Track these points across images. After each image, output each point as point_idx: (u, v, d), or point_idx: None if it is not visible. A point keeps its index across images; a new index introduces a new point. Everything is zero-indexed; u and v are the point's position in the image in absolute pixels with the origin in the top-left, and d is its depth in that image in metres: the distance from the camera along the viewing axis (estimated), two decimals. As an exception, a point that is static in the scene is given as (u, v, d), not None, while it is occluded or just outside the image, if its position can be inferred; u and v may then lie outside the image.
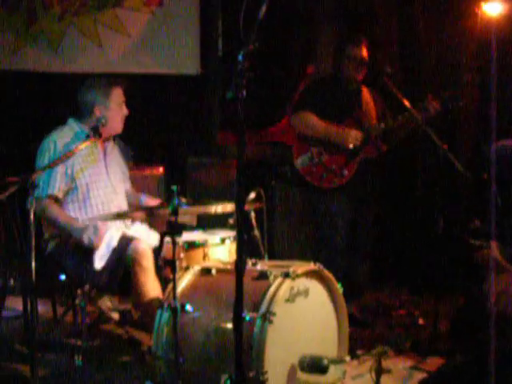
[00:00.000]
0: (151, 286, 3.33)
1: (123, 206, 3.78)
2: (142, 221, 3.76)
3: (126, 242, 3.43)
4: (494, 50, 3.82)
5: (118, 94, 3.73)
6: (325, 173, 4.29)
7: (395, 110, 4.26)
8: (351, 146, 4.26)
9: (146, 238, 3.62)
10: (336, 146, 4.28)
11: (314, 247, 4.67)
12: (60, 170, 3.52)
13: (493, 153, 3.60)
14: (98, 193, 3.65)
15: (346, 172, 4.29)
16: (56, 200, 3.57)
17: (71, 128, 3.68)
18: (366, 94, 4.46)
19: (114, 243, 3.44)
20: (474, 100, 5.11)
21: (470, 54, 5.14)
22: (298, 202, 5.02)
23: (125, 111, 3.76)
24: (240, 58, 2.29)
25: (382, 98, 4.51)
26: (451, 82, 5.03)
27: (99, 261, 3.40)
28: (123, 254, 3.39)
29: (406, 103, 4.03)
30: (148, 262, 3.34)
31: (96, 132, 3.48)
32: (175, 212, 2.85)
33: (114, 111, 3.69)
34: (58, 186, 3.54)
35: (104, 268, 3.42)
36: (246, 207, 3.28)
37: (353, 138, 4.25)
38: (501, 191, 3.45)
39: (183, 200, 2.98)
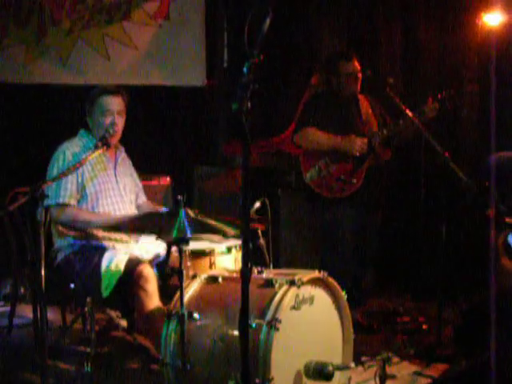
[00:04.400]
0: (155, 309, 3.32)
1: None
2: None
3: (132, 266, 3.40)
4: (494, 60, 3.87)
5: (104, 103, 3.61)
6: (334, 183, 4.34)
7: (397, 119, 4.30)
8: (358, 153, 4.31)
9: (153, 247, 3.66)
10: (342, 156, 4.33)
11: (321, 255, 4.70)
12: (70, 179, 3.54)
13: (492, 164, 3.63)
14: (106, 201, 3.65)
15: (354, 180, 4.34)
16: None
17: (80, 139, 3.71)
18: (363, 102, 4.50)
19: (121, 267, 3.42)
20: (474, 109, 5.15)
21: (470, 63, 5.18)
22: (304, 210, 5.04)
23: (110, 121, 3.60)
24: (245, 70, 2.32)
25: (379, 103, 4.54)
26: (449, 84, 5.07)
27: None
28: (129, 277, 3.38)
29: (408, 113, 4.07)
30: (153, 286, 3.34)
31: (104, 142, 3.48)
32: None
33: (97, 120, 3.62)
34: (69, 195, 3.54)
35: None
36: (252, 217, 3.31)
37: (359, 145, 4.30)
38: (501, 200, 3.49)
39: (190, 213, 3.00)
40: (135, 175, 3.97)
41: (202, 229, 3.03)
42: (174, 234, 2.85)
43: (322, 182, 4.35)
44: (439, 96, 4.22)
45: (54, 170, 3.58)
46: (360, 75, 4.38)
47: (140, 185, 3.99)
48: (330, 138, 4.34)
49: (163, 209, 3.85)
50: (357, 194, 4.36)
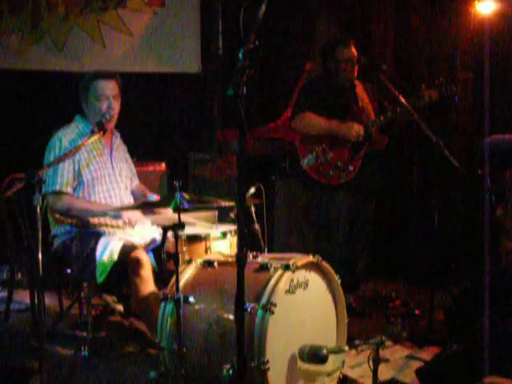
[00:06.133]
0: (149, 294, 3.35)
1: (126, 201, 3.79)
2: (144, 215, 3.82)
3: (126, 252, 3.43)
4: (488, 48, 3.89)
5: (99, 87, 3.62)
6: (331, 170, 4.36)
7: (394, 106, 4.32)
8: (354, 138, 4.33)
9: (148, 232, 3.69)
10: (339, 142, 4.35)
11: (315, 240, 4.72)
12: (66, 166, 3.55)
13: (486, 147, 3.66)
14: (102, 188, 3.67)
15: (351, 167, 4.36)
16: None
17: (77, 125, 3.71)
18: (360, 89, 4.51)
19: (115, 256, 3.44)
20: (467, 96, 5.17)
21: (463, 51, 5.19)
22: (299, 196, 5.06)
23: (107, 106, 3.62)
24: (240, 55, 2.34)
25: (376, 90, 4.55)
26: (442, 72, 5.08)
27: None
28: (123, 263, 3.41)
29: (401, 99, 4.08)
30: (147, 272, 3.37)
31: (101, 127, 3.48)
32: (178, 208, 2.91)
33: (92, 104, 3.63)
34: (65, 182, 3.56)
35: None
36: (247, 202, 3.34)
37: (356, 130, 4.31)
38: (493, 184, 3.52)
39: (185, 196, 3.04)
40: (130, 160, 3.98)
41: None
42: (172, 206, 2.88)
43: (319, 168, 4.37)
44: (436, 82, 4.24)
45: (50, 156, 3.59)
46: (356, 62, 4.39)
47: (134, 170, 4.01)
48: (328, 122, 4.35)
49: (152, 196, 3.87)
50: (352, 180, 4.39)
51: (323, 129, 4.35)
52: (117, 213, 3.54)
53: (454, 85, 4.22)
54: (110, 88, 3.65)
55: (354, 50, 4.38)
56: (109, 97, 3.63)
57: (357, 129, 4.31)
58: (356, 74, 4.43)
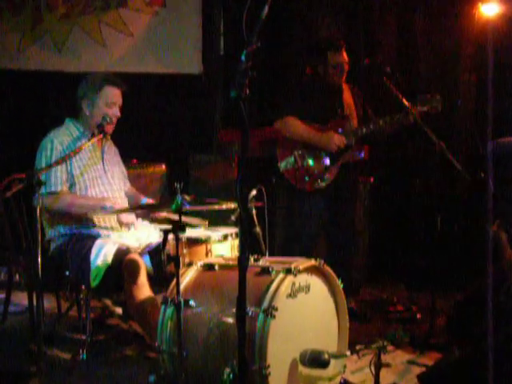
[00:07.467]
0: (145, 298, 3.34)
1: (120, 203, 3.74)
2: (143, 218, 3.81)
3: (120, 256, 3.42)
4: (491, 50, 3.86)
5: (110, 94, 3.65)
6: (307, 176, 4.34)
7: (393, 109, 4.29)
8: (334, 150, 4.31)
9: (144, 235, 3.67)
10: (319, 150, 4.33)
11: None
12: (59, 167, 3.53)
13: (490, 150, 3.64)
14: (95, 190, 3.65)
15: (327, 175, 4.34)
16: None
17: (67, 127, 3.71)
18: (346, 92, 4.48)
19: (109, 260, 3.43)
20: (471, 99, 5.16)
21: (467, 53, 5.19)
22: (282, 199, 5.02)
23: (113, 113, 3.65)
24: (243, 57, 2.32)
25: (361, 93, 4.53)
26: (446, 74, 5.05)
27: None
28: (117, 268, 3.39)
29: (405, 102, 4.06)
30: (142, 277, 3.36)
31: (101, 129, 3.52)
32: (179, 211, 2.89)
33: (100, 109, 3.63)
34: (60, 182, 3.55)
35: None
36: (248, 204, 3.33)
37: (336, 142, 4.29)
38: (498, 188, 3.50)
39: (186, 198, 3.02)
40: (121, 163, 3.98)
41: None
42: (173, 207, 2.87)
43: (296, 173, 4.34)
44: (421, 100, 4.17)
45: (42, 158, 3.59)
46: (347, 67, 4.37)
47: (125, 172, 4.01)
48: (310, 132, 4.33)
49: (144, 199, 3.86)
50: (328, 187, 4.36)
51: (304, 137, 4.33)
52: (111, 205, 3.50)
53: (436, 103, 4.14)
54: (118, 96, 3.70)
55: (344, 55, 4.36)
56: (117, 104, 3.68)
57: (337, 140, 4.29)
58: (344, 78, 4.41)
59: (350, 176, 4.44)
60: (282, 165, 4.34)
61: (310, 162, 4.33)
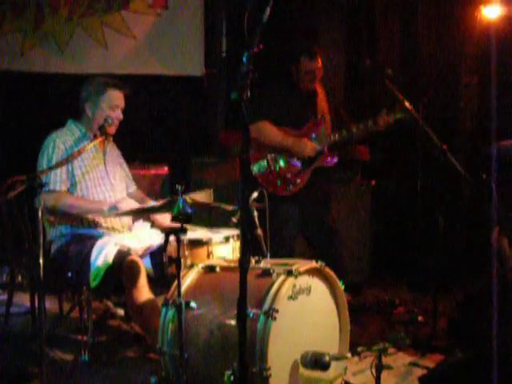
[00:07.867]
0: (145, 301, 3.34)
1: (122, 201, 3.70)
2: (144, 219, 3.81)
3: (121, 258, 3.42)
4: (494, 53, 3.87)
5: (114, 97, 3.66)
6: (279, 180, 4.34)
7: (396, 111, 4.28)
8: (307, 157, 4.32)
9: (145, 237, 3.67)
10: (292, 156, 4.33)
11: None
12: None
13: (494, 153, 3.64)
14: (96, 190, 3.66)
15: (299, 180, 4.34)
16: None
17: (69, 128, 3.72)
18: (320, 95, 4.48)
19: (110, 260, 3.43)
20: (473, 101, 5.16)
21: (469, 56, 5.19)
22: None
23: (116, 115, 3.67)
24: (244, 59, 2.32)
25: (331, 99, 4.54)
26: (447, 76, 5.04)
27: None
28: (118, 269, 3.39)
29: (407, 104, 4.06)
30: (142, 279, 3.36)
31: (103, 131, 3.54)
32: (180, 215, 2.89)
33: (103, 112, 3.64)
34: (60, 181, 3.56)
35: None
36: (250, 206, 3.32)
37: (309, 149, 4.31)
38: (502, 191, 3.50)
39: (188, 200, 3.02)
40: (124, 164, 3.98)
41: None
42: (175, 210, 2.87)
43: (268, 177, 4.34)
44: (397, 106, 4.18)
45: (44, 159, 3.59)
46: (319, 74, 4.36)
47: (130, 175, 4.01)
48: (283, 138, 4.32)
49: (151, 202, 3.84)
50: (300, 191, 4.36)
51: (278, 143, 4.32)
52: (112, 206, 3.51)
53: (411, 112, 4.11)
54: (121, 99, 3.71)
55: (319, 61, 4.35)
56: (119, 107, 3.69)
57: (310, 148, 4.31)
58: (316, 85, 4.40)
59: (322, 179, 4.46)
60: (255, 168, 4.34)
61: (283, 166, 4.34)
